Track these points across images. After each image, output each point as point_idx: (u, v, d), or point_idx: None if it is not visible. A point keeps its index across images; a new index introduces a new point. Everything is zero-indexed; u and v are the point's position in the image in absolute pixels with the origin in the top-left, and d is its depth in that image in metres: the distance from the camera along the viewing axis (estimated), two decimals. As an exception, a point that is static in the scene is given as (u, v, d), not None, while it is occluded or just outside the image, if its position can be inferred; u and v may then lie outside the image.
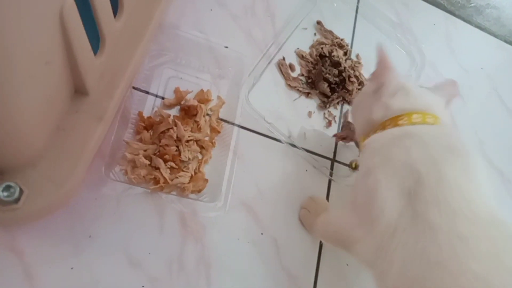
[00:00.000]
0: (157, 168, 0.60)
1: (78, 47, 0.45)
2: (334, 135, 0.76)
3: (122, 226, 0.57)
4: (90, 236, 0.55)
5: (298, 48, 0.83)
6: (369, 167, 0.53)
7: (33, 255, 0.52)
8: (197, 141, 0.65)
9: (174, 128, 0.63)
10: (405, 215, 0.47)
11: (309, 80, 0.81)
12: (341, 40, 0.87)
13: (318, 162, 0.74)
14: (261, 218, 0.66)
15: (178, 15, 0.74)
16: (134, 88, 0.65)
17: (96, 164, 0.57)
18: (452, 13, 1.10)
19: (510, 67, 1.10)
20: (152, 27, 0.61)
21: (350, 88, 0.81)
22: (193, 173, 0.63)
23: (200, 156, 0.65)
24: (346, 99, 0.82)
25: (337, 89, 0.81)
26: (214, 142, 0.67)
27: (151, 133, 0.63)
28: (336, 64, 0.82)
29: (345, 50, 0.86)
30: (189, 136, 0.63)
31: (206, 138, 0.66)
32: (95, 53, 0.51)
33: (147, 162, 0.60)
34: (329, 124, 0.80)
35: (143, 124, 0.63)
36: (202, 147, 0.65)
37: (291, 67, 0.81)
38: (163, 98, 0.67)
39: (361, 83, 0.83)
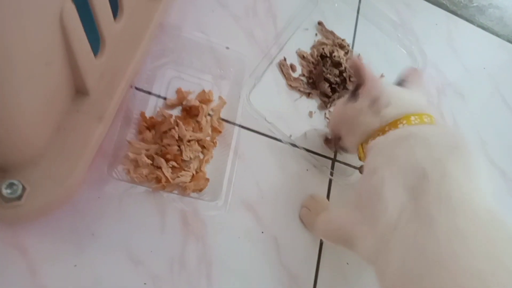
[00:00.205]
0: (159, 168, 0.61)
1: (78, 48, 0.45)
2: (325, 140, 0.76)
3: (124, 224, 0.58)
4: (93, 234, 0.56)
5: (299, 49, 0.84)
6: (374, 166, 0.54)
7: (36, 252, 0.53)
8: (198, 141, 0.66)
9: (176, 128, 0.63)
10: (407, 210, 0.48)
11: (310, 80, 0.82)
12: (342, 40, 0.88)
13: (318, 161, 0.74)
14: (262, 217, 0.66)
15: (180, 17, 0.75)
16: (136, 88, 0.66)
17: (99, 164, 0.58)
18: (454, 12, 1.09)
19: (513, 66, 1.09)
20: (152, 28, 0.62)
21: (350, 88, 0.81)
22: (194, 173, 0.64)
23: (201, 156, 0.66)
24: (347, 99, 0.83)
25: (338, 89, 0.81)
26: (215, 142, 0.67)
27: (153, 133, 0.64)
28: (337, 65, 0.82)
29: (346, 51, 0.87)
30: (190, 136, 0.64)
31: (208, 138, 0.67)
32: (95, 54, 0.51)
33: (149, 161, 0.61)
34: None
35: (145, 124, 0.64)
36: (203, 147, 0.66)
37: (292, 67, 0.81)
38: (165, 99, 0.68)
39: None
